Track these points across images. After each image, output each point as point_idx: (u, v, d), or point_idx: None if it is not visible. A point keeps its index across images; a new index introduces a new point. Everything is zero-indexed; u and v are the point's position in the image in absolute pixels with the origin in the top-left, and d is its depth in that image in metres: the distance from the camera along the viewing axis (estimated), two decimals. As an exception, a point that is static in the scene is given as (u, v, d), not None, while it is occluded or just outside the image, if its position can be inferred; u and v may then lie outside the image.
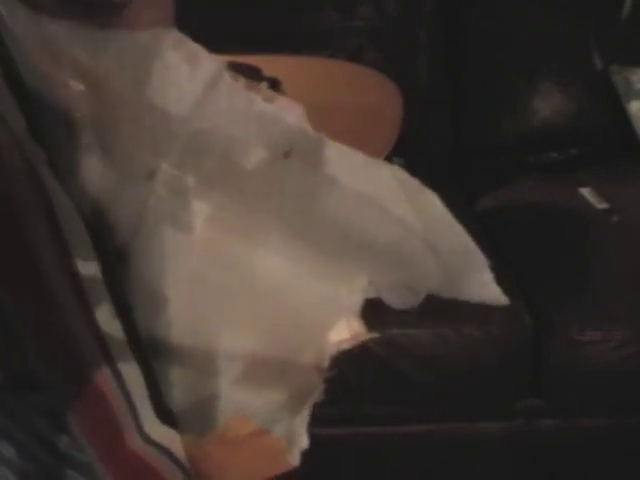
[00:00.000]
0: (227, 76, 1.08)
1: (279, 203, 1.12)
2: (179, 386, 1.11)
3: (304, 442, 1.16)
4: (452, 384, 1.33)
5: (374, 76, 1.61)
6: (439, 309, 1.32)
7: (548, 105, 1.84)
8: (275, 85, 1.47)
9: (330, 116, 1.42)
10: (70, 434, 1.00)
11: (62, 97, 1.01)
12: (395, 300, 1.23)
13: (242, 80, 1.10)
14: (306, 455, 1.24)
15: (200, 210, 1.09)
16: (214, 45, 1.61)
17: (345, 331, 1.20)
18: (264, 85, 1.18)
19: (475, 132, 1.87)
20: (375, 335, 1.23)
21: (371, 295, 1.22)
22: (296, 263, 1.14)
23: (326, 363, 1.19)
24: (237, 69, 1.55)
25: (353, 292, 1.19)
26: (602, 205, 1.58)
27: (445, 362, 1.32)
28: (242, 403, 1.12)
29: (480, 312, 1.32)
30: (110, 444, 1.02)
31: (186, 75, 1.06)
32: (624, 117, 1.79)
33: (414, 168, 1.64)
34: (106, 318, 1.04)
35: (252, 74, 1.51)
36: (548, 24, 1.84)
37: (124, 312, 1.06)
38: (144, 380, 1.08)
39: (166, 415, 1.10)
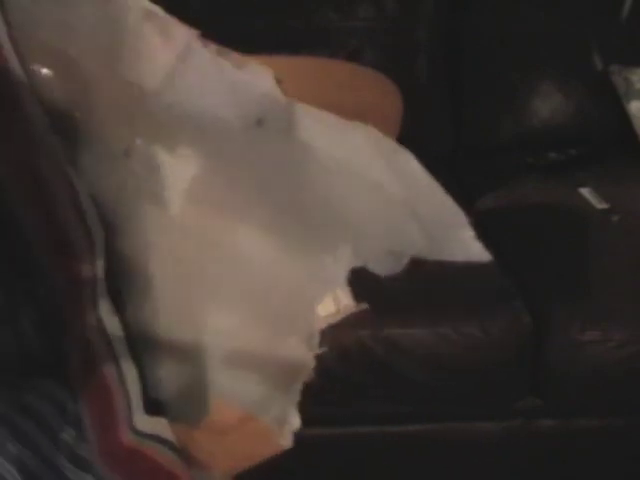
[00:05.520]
0: (198, 44, 1.08)
1: (257, 173, 1.11)
2: (167, 375, 1.11)
3: (295, 422, 1.15)
4: (452, 384, 1.33)
5: (374, 76, 1.61)
6: (439, 309, 1.32)
7: (548, 105, 1.84)
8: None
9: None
10: (76, 422, 1.00)
11: (32, 83, 1.01)
12: (380, 267, 1.21)
13: (213, 46, 1.09)
14: (306, 455, 1.24)
15: (178, 185, 1.08)
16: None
17: (332, 305, 1.19)
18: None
19: (475, 132, 1.87)
20: (364, 306, 1.21)
21: (357, 264, 1.20)
22: (279, 235, 1.13)
23: (316, 339, 1.18)
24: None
25: (338, 262, 1.18)
26: (602, 205, 1.58)
27: (445, 362, 1.32)
28: (230, 386, 1.12)
29: (480, 312, 1.32)
30: (109, 438, 1.02)
31: (159, 47, 1.05)
32: (624, 117, 1.79)
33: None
34: (107, 314, 1.04)
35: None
36: (548, 24, 1.84)
37: (119, 306, 1.06)
38: (138, 375, 1.08)
39: (153, 406, 1.10)
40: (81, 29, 1.01)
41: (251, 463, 1.14)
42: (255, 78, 1.10)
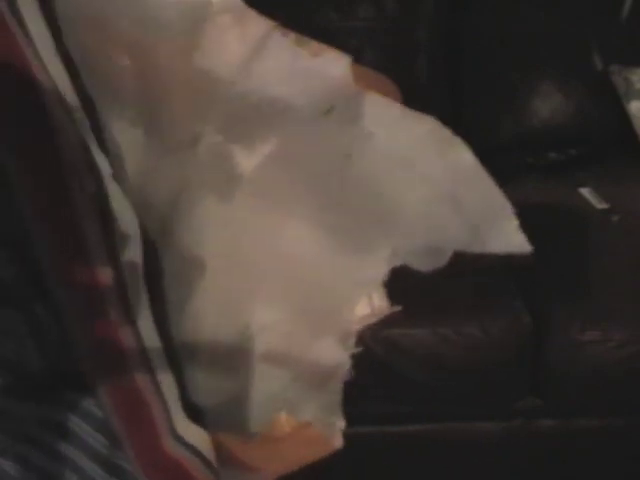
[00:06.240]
0: (277, 34, 1.08)
1: (315, 165, 1.10)
2: (212, 380, 1.10)
3: (341, 422, 1.16)
4: (452, 384, 1.33)
5: (374, 76, 1.60)
6: (439, 309, 1.32)
7: (548, 105, 1.84)
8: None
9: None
10: (107, 430, 0.99)
11: (105, 73, 1.01)
12: (420, 263, 1.19)
13: (292, 35, 1.10)
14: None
15: (242, 177, 1.08)
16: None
17: (366, 306, 1.19)
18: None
19: (475, 132, 1.86)
20: (397, 308, 1.21)
21: (396, 264, 1.20)
22: (325, 232, 1.13)
23: (353, 339, 1.18)
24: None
25: (377, 263, 1.18)
26: (602, 205, 1.58)
27: (445, 362, 1.32)
28: (268, 383, 1.11)
29: (480, 312, 1.32)
30: (149, 447, 1.01)
31: (236, 37, 1.06)
32: (624, 117, 1.79)
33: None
34: (141, 319, 1.02)
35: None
36: (548, 24, 1.83)
37: (159, 314, 1.05)
38: (174, 381, 1.07)
39: (193, 413, 1.09)
40: (160, 18, 1.02)
41: (300, 465, 1.14)
42: (329, 66, 1.09)
